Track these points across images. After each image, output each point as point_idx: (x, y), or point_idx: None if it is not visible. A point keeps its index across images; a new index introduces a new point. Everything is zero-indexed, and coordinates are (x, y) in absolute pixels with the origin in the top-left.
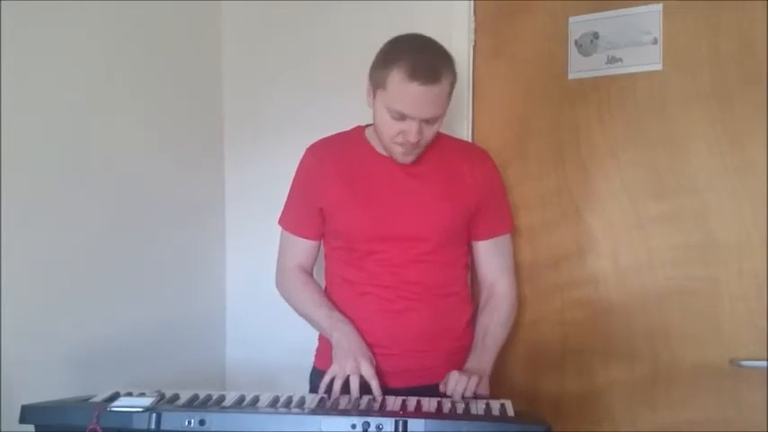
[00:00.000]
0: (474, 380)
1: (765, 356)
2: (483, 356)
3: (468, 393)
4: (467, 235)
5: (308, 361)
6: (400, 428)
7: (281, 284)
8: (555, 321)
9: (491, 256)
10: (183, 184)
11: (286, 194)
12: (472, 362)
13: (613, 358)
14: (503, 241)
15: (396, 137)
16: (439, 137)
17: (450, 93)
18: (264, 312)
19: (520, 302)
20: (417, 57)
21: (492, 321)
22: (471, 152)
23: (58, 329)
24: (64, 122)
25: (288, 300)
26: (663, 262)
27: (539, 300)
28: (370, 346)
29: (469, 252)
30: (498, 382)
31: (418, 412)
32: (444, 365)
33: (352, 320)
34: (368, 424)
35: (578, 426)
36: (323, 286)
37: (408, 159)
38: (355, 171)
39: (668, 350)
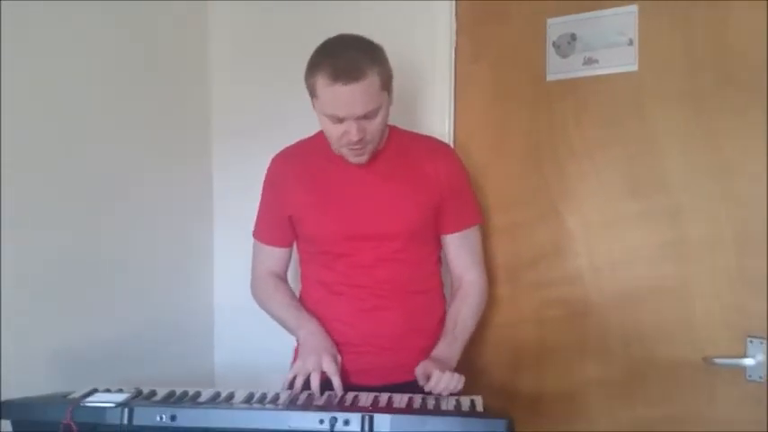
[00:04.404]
0: (456, 377)
1: (738, 354)
2: (453, 344)
3: (453, 391)
4: (434, 229)
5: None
6: (366, 424)
7: (254, 292)
8: (533, 320)
9: (459, 249)
10: (170, 187)
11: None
12: (442, 348)
13: (590, 356)
14: (470, 234)
15: (340, 139)
16: (400, 134)
17: (384, 84)
18: (252, 314)
19: (499, 300)
20: (336, 58)
21: (461, 310)
22: (434, 147)
23: (44, 332)
24: (52, 124)
25: (262, 305)
26: (637, 260)
27: (517, 298)
28: (344, 344)
29: (440, 245)
30: (478, 381)
31: (384, 408)
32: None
33: (327, 321)
34: (335, 419)
35: (557, 424)
36: (299, 289)
37: (362, 159)
38: (318, 176)
39: (643, 348)
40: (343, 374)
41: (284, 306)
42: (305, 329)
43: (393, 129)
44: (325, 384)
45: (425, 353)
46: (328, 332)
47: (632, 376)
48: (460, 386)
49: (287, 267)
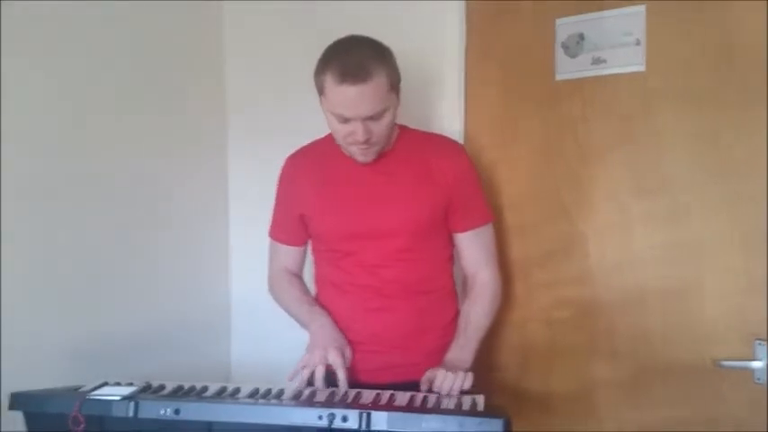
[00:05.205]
0: (461, 377)
1: (745, 356)
2: (465, 346)
3: (455, 391)
4: (445, 229)
5: None
6: (364, 421)
7: (271, 289)
8: (542, 320)
9: (471, 248)
10: (187, 183)
11: None
12: (454, 351)
13: (598, 357)
14: (482, 232)
15: (347, 138)
16: (410, 133)
17: (392, 85)
18: (268, 310)
19: (508, 300)
20: (345, 58)
21: (474, 310)
22: (442, 146)
23: (62, 327)
24: (69, 121)
25: (277, 302)
26: (645, 261)
27: (527, 298)
28: (354, 343)
29: (453, 245)
30: (487, 379)
31: (382, 405)
32: (430, 362)
33: (337, 319)
34: (333, 416)
35: (565, 423)
36: (314, 288)
37: (368, 159)
38: (327, 175)
39: (651, 349)
40: (353, 372)
41: (297, 301)
42: (316, 323)
43: (403, 128)
44: (332, 379)
45: (437, 352)
46: (339, 330)
47: (640, 377)
48: (468, 385)
49: (302, 265)
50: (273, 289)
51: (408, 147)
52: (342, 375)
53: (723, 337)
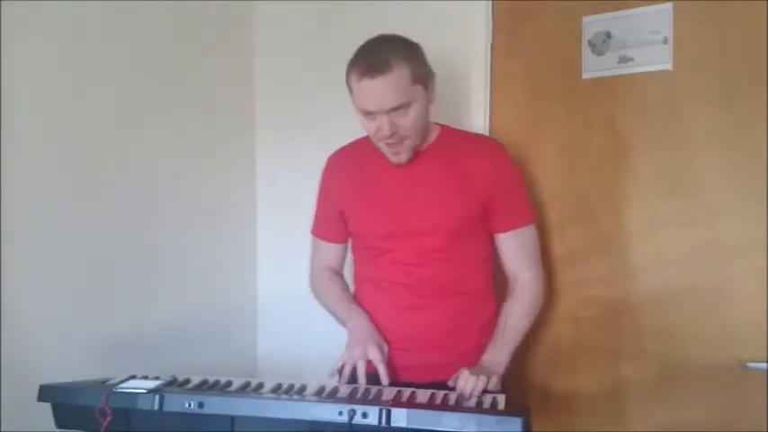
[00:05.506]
0: (483, 380)
1: None
2: (501, 349)
3: (476, 393)
4: (484, 229)
5: (339, 352)
6: (384, 417)
7: (312, 286)
8: (568, 319)
9: (512, 249)
10: (214, 179)
11: (315, 187)
12: (490, 353)
13: (624, 357)
14: (523, 233)
15: (376, 135)
16: (449, 132)
17: (416, 79)
18: (295, 306)
19: None
20: (367, 54)
21: (513, 311)
22: (483, 146)
23: (91, 323)
24: (100, 118)
25: (318, 299)
26: (672, 261)
27: (553, 297)
28: (389, 342)
29: (492, 245)
30: (514, 380)
31: (403, 402)
32: (466, 362)
33: (374, 317)
34: (353, 411)
35: (590, 423)
36: (353, 286)
37: (400, 158)
38: (366, 173)
39: (677, 350)
40: (390, 370)
41: (336, 299)
42: (353, 321)
43: (444, 128)
44: (375, 375)
45: (473, 352)
46: (377, 327)
47: (665, 378)
48: (492, 386)
49: (342, 262)
50: (314, 287)
51: (446, 146)
52: (382, 369)
53: (749, 338)
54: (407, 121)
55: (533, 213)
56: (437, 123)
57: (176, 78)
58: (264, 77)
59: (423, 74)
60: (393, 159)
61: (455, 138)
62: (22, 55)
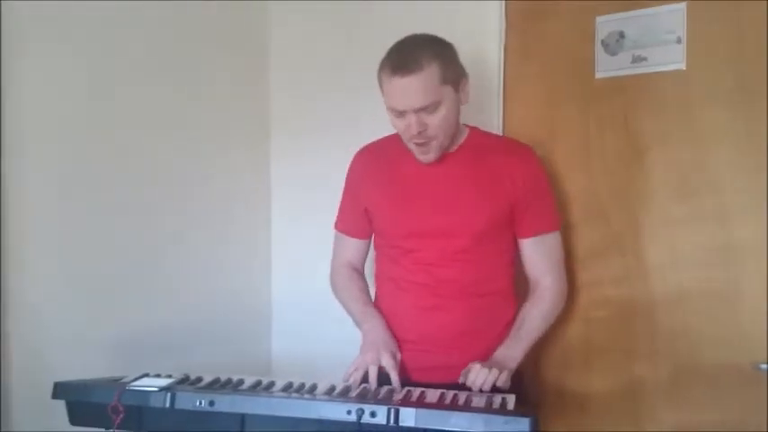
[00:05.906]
0: (494, 374)
1: None
2: (514, 346)
3: (486, 387)
4: (508, 232)
5: (353, 352)
6: (392, 416)
7: (331, 282)
8: (582, 318)
9: (535, 254)
10: (228, 177)
11: (330, 187)
12: (503, 348)
13: (637, 357)
14: (548, 239)
15: (405, 134)
16: (480, 135)
17: (445, 79)
18: (309, 304)
19: None
20: (398, 53)
21: (531, 312)
22: (513, 150)
23: (106, 322)
24: (117, 115)
25: (336, 296)
26: (685, 262)
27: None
28: (406, 341)
29: (515, 248)
30: (525, 378)
31: (410, 402)
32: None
33: (393, 315)
34: (362, 411)
35: (603, 424)
36: (374, 284)
37: (428, 158)
38: (392, 172)
39: (690, 351)
40: (405, 371)
41: (353, 299)
42: (368, 324)
43: (473, 129)
44: (385, 379)
45: (490, 355)
46: (393, 327)
47: (678, 379)
48: (502, 383)
49: (364, 259)
50: (333, 283)
51: (476, 148)
52: (394, 377)
53: (763, 339)
54: (436, 120)
55: (559, 220)
56: (467, 125)
57: (189, 80)
58: (279, 80)
59: (454, 75)
60: (421, 158)
61: (485, 140)
62: (33, 54)
